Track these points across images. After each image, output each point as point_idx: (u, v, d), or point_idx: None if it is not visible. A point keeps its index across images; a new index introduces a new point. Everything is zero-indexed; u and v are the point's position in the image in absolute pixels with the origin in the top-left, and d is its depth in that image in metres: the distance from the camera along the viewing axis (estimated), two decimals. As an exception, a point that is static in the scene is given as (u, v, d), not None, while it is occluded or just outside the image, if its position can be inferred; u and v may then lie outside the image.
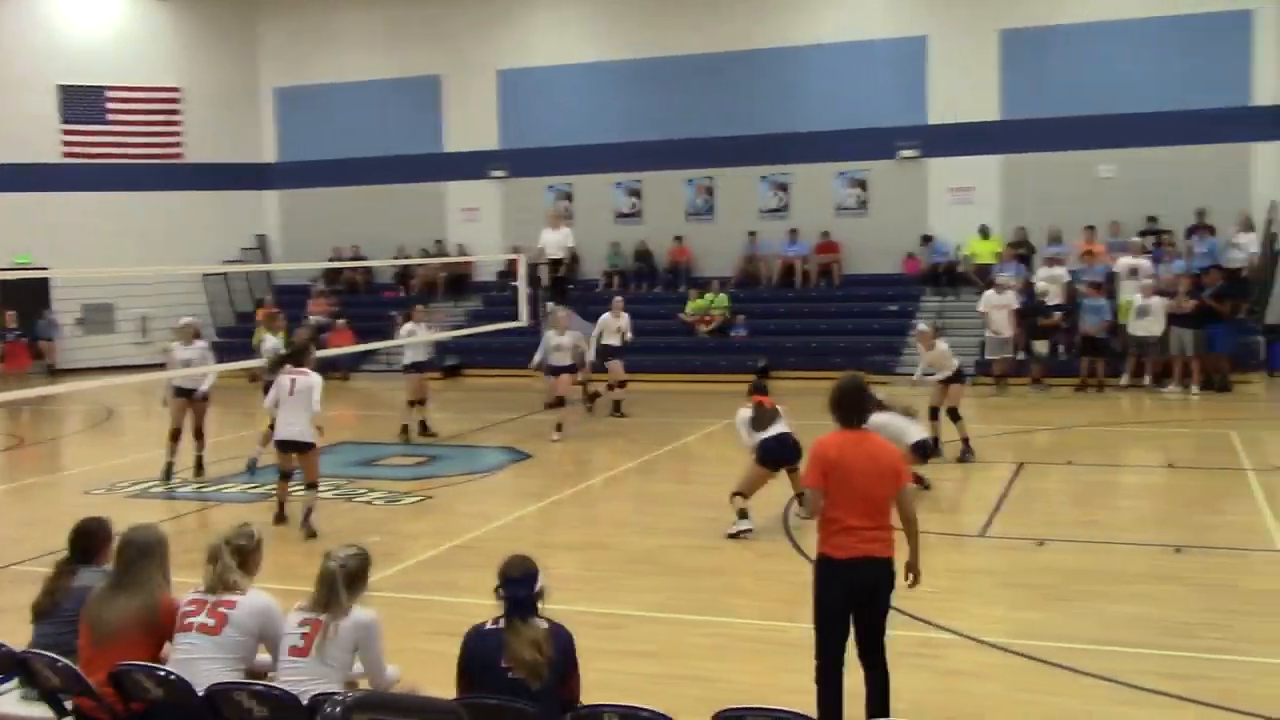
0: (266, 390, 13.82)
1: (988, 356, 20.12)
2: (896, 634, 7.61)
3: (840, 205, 25.02)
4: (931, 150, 24.12)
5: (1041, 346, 20.47)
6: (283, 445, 10.93)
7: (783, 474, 10.78)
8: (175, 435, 13.65)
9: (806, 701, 6.40)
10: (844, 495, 5.87)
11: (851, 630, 6.00)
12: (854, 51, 24.46)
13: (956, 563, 9.50)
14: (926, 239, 23.83)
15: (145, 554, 5.47)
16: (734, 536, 10.32)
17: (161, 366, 14.36)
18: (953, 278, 23.35)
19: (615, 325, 18.53)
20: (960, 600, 8.43)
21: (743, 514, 10.45)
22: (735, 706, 4.56)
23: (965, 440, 13.84)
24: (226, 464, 14.29)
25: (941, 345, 14.08)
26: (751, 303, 24.31)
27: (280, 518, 11.10)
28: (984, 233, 23.37)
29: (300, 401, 10.75)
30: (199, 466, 13.84)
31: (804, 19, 24.92)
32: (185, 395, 13.68)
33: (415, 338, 16.86)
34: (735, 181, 25.66)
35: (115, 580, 5.44)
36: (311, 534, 10.58)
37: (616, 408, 18.16)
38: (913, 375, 14.99)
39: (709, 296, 23.95)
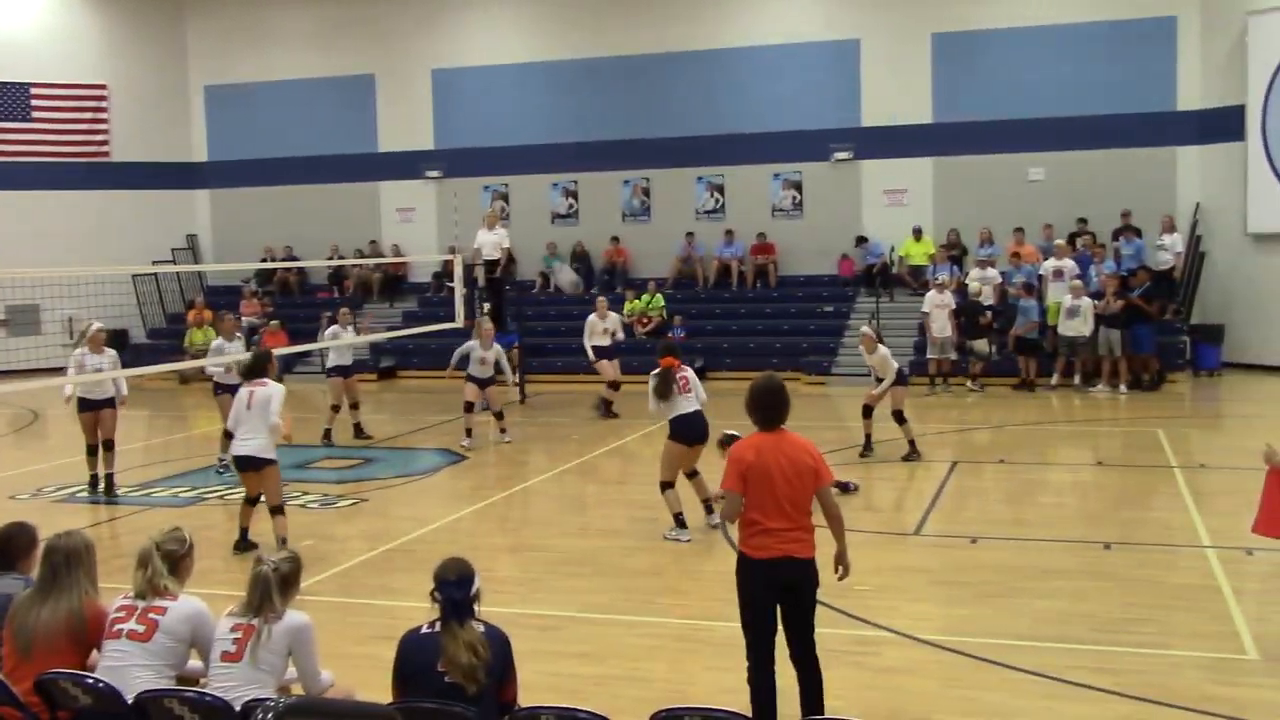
0: (217, 392, 13.72)
1: (928, 356, 20.35)
2: (830, 632, 7.68)
3: (776, 207, 25.19)
4: (865, 152, 24.35)
5: (981, 346, 20.74)
6: (240, 462, 10.03)
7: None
8: (94, 449, 13.00)
9: (742, 701, 6.42)
10: (763, 497, 5.85)
11: (780, 631, 6.02)
12: (788, 54, 24.63)
13: (890, 561, 9.59)
14: (861, 240, 24.05)
15: (71, 560, 5.38)
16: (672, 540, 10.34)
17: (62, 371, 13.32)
18: (886, 279, 23.58)
19: (601, 326, 18.53)
20: (894, 598, 8.52)
21: (680, 522, 10.41)
22: (673, 706, 4.57)
23: (911, 442, 13.86)
24: (155, 468, 14.06)
25: (883, 350, 13.90)
26: (688, 304, 24.39)
27: (243, 544, 10.19)
28: (917, 234, 23.64)
29: (258, 414, 9.84)
30: (110, 485, 12.97)
31: (739, 21, 25.06)
32: (94, 407, 12.90)
33: (339, 340, 16.59)
34: (671, 182, 25.73)
35: (41, 587, 5.35)
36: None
37: (608, 409, 17.90)
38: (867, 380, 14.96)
39: (645, 298, 23.98)
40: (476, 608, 5.06)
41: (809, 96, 24.53)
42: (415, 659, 4.95)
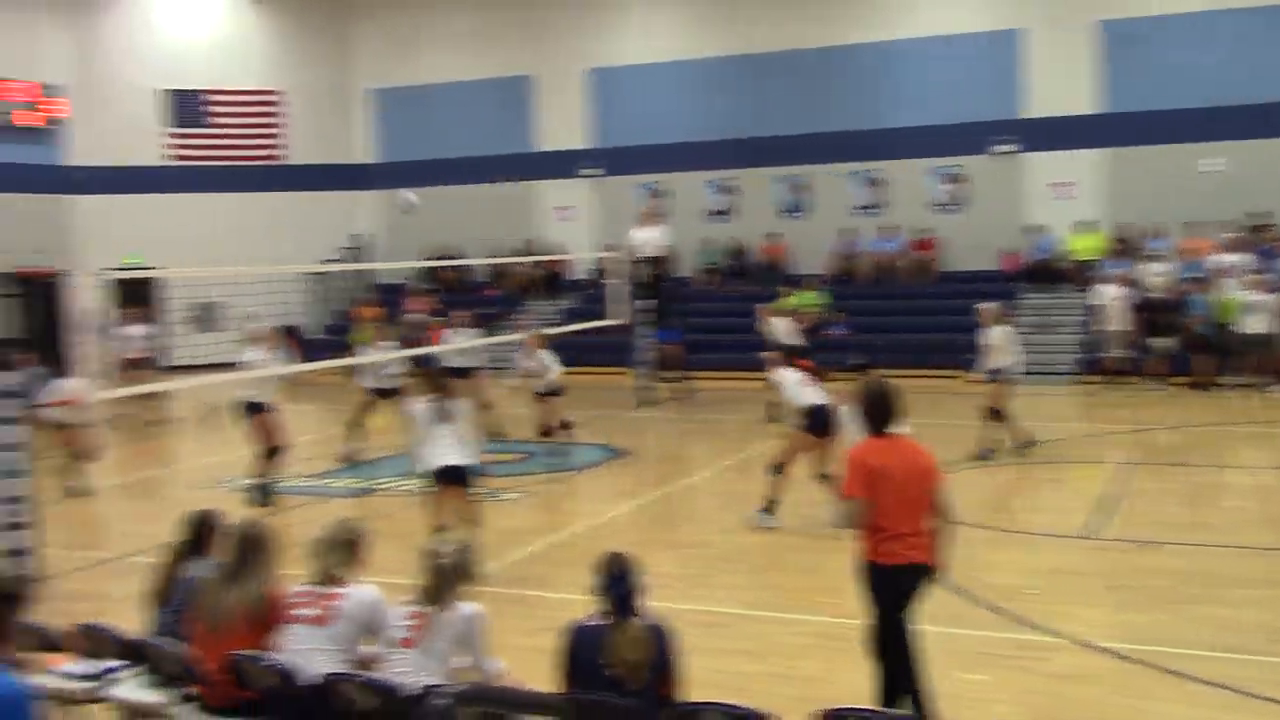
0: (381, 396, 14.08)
1: (1101, 354, 19.76)
2: (996, 635, 7.55)
3: (935, 201, 24.72)
4: (1029, 145, 23.72)
5: (1161, 343, 19.98)
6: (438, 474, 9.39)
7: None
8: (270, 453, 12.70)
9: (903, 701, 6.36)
10: (889, 502, 5.80)
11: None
12: (946, 46, 24.14)
13: (1058, 563, 9.34)
14: (1033, 229, 23.28)
15: (258, 547, 5.63)
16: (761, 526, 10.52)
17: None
18: (1052, 274, 22.92)
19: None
20: (1063, 602, 8.29)
21: (770, 509, 10.48)
22: (839, 707, 4.55)
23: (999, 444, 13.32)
24: (326, 461, 14.56)
25: (1003, 330, 13.45)
26: (845, 300, 24.10)
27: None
28: (1086, 228, 22.91)
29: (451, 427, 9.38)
30: (265, 492, 12.46)
31: (896, 14, 24.67)
32: (254, 410, 12.61)
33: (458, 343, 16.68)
34: (828, 178, 25.48)
35: (227, 572, 5.59)
36: None
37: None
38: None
39: (799, 294, 23.77)
40: (639, 602, 5.13)
41: (968, 89, 24.01)
42: (581, 652, 5.04)
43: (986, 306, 13.79)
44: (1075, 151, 23.37)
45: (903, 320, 23.41)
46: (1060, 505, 11.98)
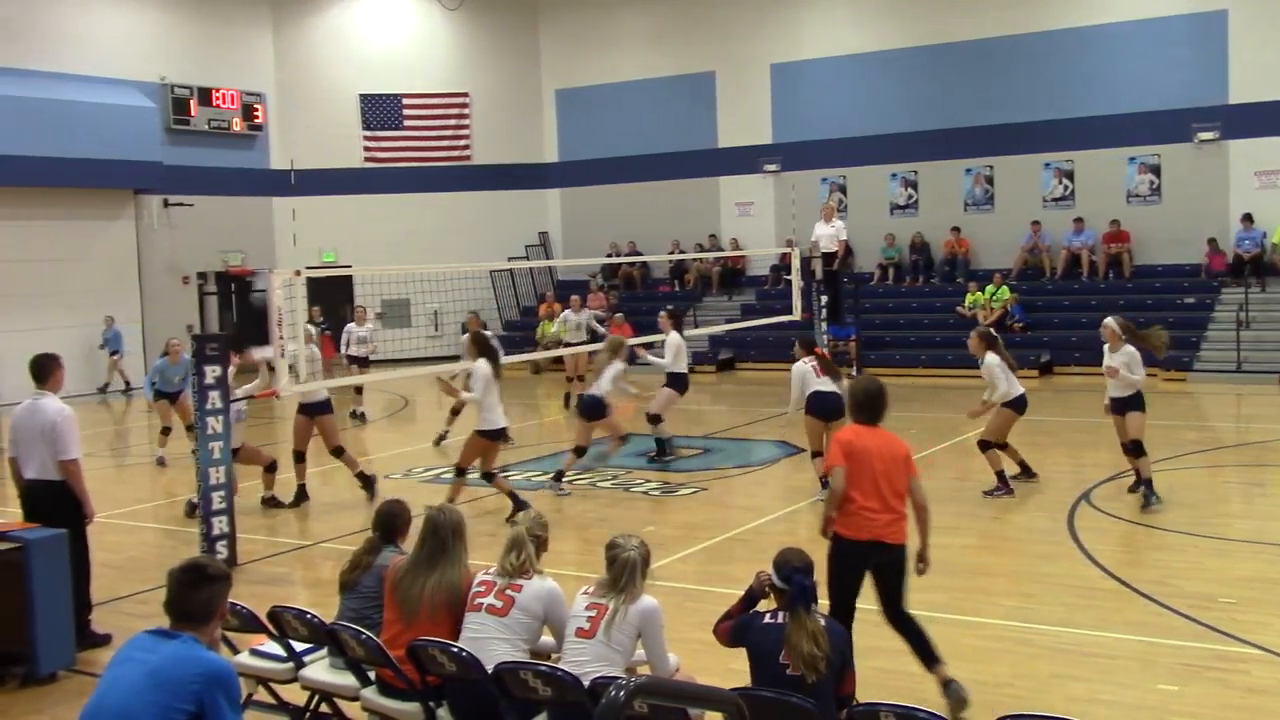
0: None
1: None
2: (1192, 645, 7.25)
3: (1131, 192, 23.74)
4: (1233, 131, 22.54)
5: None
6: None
7: None
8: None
9: (1089, 710, 6.18)
10: (863, 480, 6.27)
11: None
12: (1144, 30, 23.14)
13: (1259, 572, 8.88)
14: (1246, 218, 22.08)
15: (456, 534, 5.81)
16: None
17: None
18: (1259, 268, 21.75)
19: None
20: (1263, 612, 7.89)
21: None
22: (1016, 714, 4.44)
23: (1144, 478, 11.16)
24: (509, 454, 14.90)
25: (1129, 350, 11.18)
26: (1034, 295, 23.42)
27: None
28: (1298, 219, 21.63)
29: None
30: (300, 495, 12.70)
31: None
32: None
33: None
34: (1016, 170, 24.75)
35: (427, 559, 5.74)
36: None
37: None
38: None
39: (990, 289, 23.21)
40: (816, 597, 5.12)
41: (1167, 74, 22.94)
42: (759, 647, 5.05)
43: (972, 336, 12.01)
44: (1284, 138, 22.09)
45: (1095, 316, 22.50)
46: (1262, 512, 11.39)
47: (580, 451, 12.85)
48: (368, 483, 12.55)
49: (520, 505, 11.20)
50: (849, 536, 6.31)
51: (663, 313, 15.00)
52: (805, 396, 11.77)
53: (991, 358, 11.54)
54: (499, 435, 11.41)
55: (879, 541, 6.28)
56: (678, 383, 14.30)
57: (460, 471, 11.36)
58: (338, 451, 12.61)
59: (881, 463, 6.32)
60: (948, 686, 6.28)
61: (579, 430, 12.97)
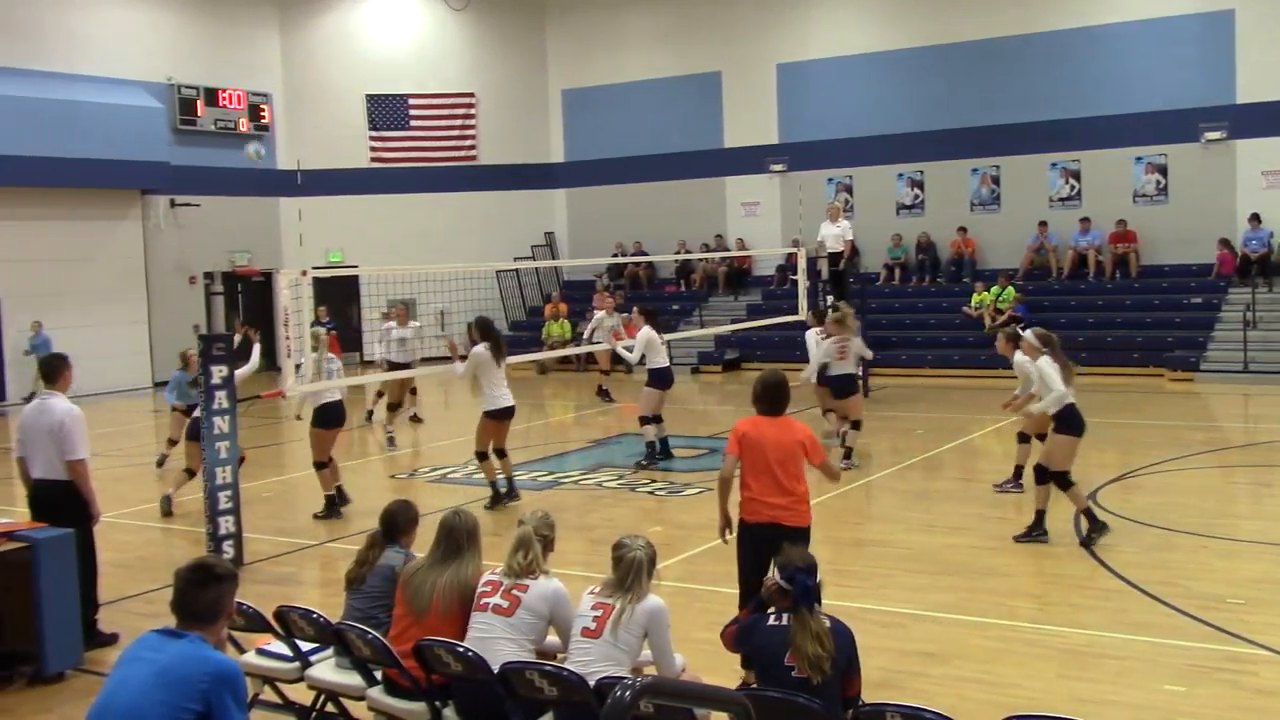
0: None
1: None
2: (1200, 646, 7.23)
3: (1138, 192, 23.71)
4: (1241, 131, 22.49)
5: None
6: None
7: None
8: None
9: (1097, 711, 6.17)
10: (756, 467, 6.67)
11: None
12: (1151, 29, 23.12)
13: (1269, 574, 8.86)
14: (1254, 218, 22.04)
15: (471, 534, 5.83)
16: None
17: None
18: (1266, 268, 21.70)
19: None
20: (1272, 614, 7.87)
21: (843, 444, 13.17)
22: (1025, 714, 4.43)
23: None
24: (516, 453, 14.89)
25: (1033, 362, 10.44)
26: (1040, 295, 23.39)
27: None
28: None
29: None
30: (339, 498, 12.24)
31: (1099, -2, 23.76)
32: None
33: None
34: (1023, 170, 24.73)
35: (442, 557, 5.75)
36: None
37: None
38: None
39: (995, 290, 23.19)
40: (820, 597, 5.11)
41: (1174, 74, 22.91)
42: (762, 649, 5.04)
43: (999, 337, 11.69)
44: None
45: (1102, 316, 22.57)
46: (1270, 512, 11.37)
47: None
48: (331, 505, 11.97)
49: (498, 497, 11.77)
50: (746, 520, 6.74)
51: (636, 307, 15.45)
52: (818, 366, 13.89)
53: (1021, 357, 10.89)
54: (502, 415, 11.85)
55: (776, 524, 6.57)
56: (657, 379, 14.28)
57: (481, 456, 11.88)
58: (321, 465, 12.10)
59: (776, 451, 6.67)
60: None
61: None
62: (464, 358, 12.18)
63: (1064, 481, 9.73)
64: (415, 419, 18.27)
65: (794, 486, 6.70)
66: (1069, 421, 9.70)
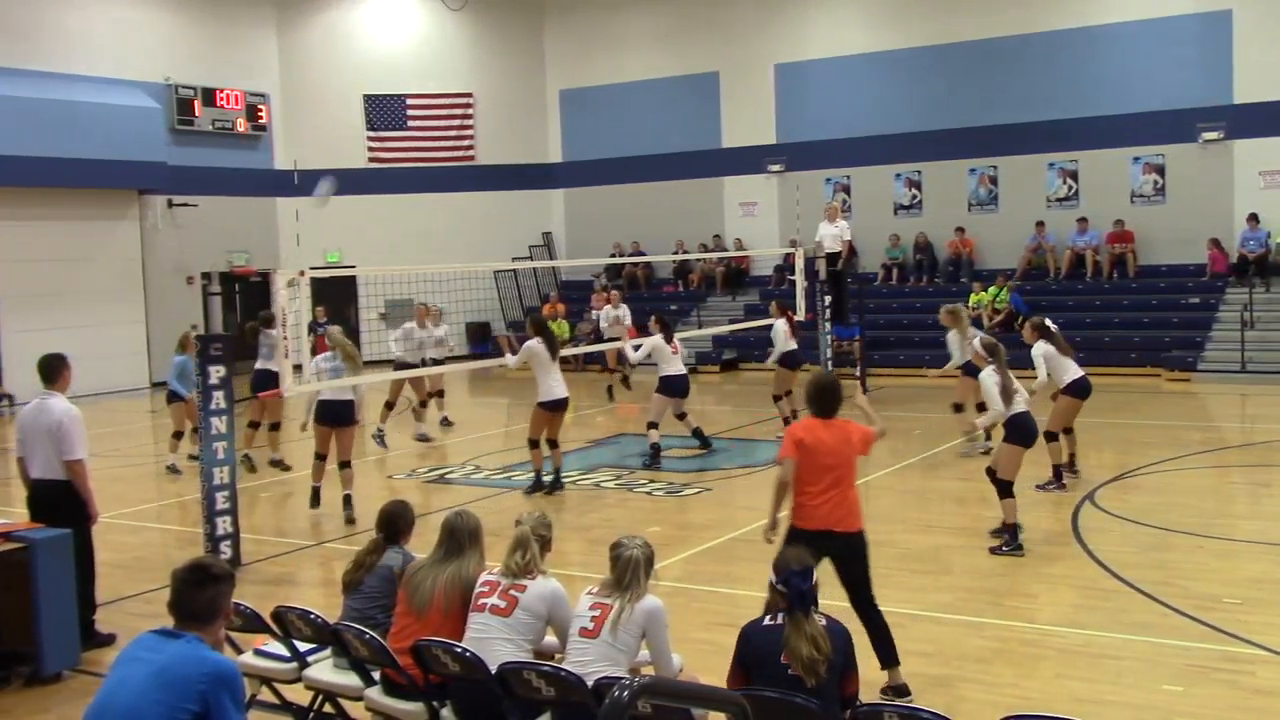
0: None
1: None
2: (1198, 646, 7.24)
3: (1136, 192, 23.71)
4: (1238, 131, 22.50)
5: None
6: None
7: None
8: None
9: (1095, 711, 6.18)
10: (812, 472, 6.51)
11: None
12: (1149, 29, 23.11)
13: (1267, 574, 8.87)
14: (1253, 218, 22.05)
15: (473, 534, 5.85)
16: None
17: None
18: (1263, 268, 21.71)
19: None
20: (1271, 613, 7.87)
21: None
22: (1021, 714, 4.44)
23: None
24: (515, 453, 14.89)
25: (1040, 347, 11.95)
26: (1038, 295, 23.40)
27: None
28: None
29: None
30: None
31: (1097, -2, 23.77)
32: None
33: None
34: (1020, 170, 24.73)
35: (444, 556, 5.77)
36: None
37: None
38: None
39: (993, 290, 23.20)
40: (817, 599, 5.10)
41: (1172, 74, 22.90)
42: (758, 650, 5.04)
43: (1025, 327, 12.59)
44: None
45: (1099, 316, 22.58)
46: (1268, 512, 11.38)
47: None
48: (315, 496, 12.02)
49: (539, 485, 12.52)
50: (800, 527, 6.56)
51: (654, 315, 15.48)
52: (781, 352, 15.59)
53: (1040, 347, 11.89)
54: (554, 406, 12.40)
55: (829, 530, 6.47)
56: (665, 387, 14.44)
57: (532, 443, 12.54)
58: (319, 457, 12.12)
59: (832, 456, 6.55)
60: (897, 691, 6.32)
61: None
62: (514, 351, 12.72)
63: (1005, 490, 9.72)
64: (446, 422, 18.05)
65: (848, 492, 6.60)
66: (1020, 431, 9.76)
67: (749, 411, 18.65)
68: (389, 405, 16.81)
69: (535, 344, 12.35)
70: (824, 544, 6.33)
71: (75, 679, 7.38)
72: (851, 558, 6.54)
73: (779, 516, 6.78)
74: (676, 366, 14.53)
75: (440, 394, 17.98)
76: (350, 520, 11.60)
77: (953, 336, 14.45)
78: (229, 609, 4.11)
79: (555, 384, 12.37)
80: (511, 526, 5.83)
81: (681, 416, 14.80)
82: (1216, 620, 7.57)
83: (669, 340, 14.46)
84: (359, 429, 12.69)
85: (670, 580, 8.72)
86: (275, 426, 14.88)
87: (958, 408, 14.34)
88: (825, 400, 6.74)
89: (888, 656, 6.45)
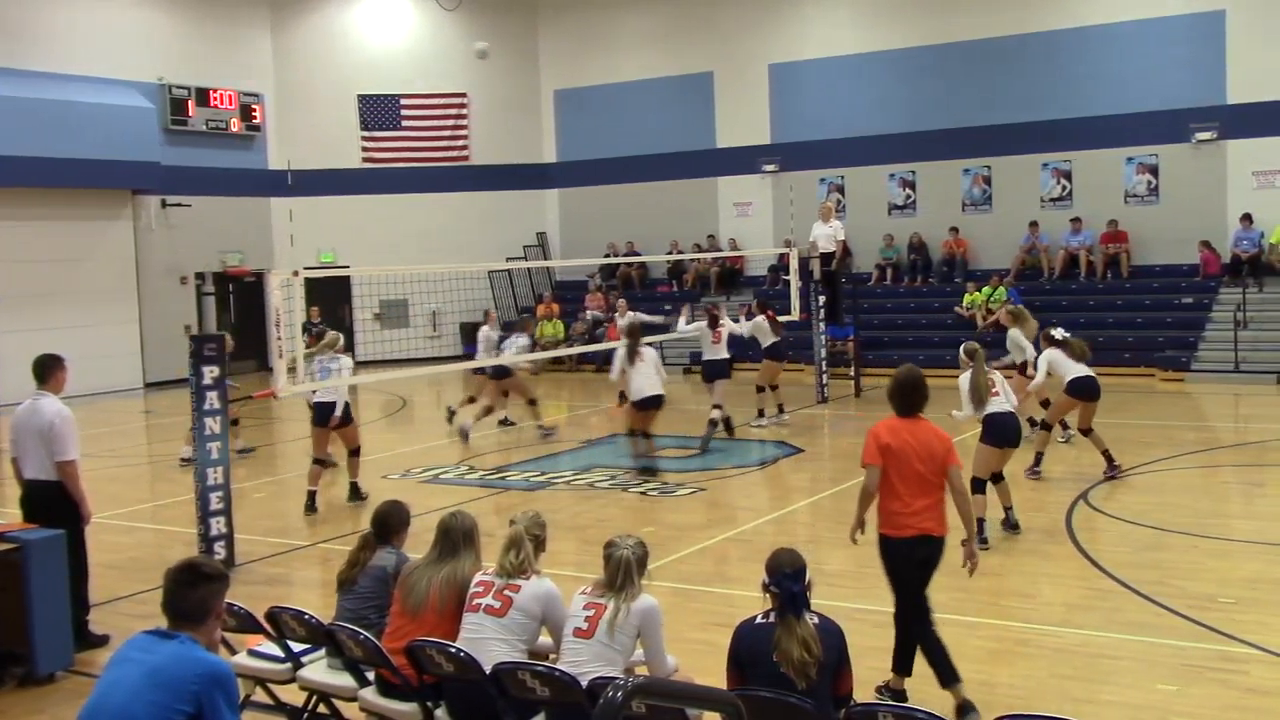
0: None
1: None
2: (1192, 645, 7.24)
3: (1129, 192, 23.73)
4: (1232, 132, 22.54)
5: None
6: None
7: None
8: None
9: (1088, 710, 6.18)
10: (899, 477, 6.23)
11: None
12: (1143, 29, 23.13)
13: (1261, 573, 8.88)
14: (1245, 218, 22.06)
15: (469, 535, 5.84)
16: None
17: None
18: (1256, 268, 21.74)
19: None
20: (1264, 612, 7.88)
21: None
22: (1018, 714, 4.44)
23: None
24: (511, 453, 14.89)
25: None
26: (1032, 295, 23.40)
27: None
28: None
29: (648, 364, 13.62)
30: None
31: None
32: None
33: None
34: (1014, 170, 24.74)
35: (440, 556, 5.76)
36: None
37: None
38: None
39: (986, 290, 23.22)
40: (809, 600, 5.09)
41: (1165, 74, 22.92)
42: (751, 649, 5.03)
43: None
44: (1281, 138, 22.08)
45: (1093, 316, 22.59)
46: (1262, 512, 11.39)
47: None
48: (310, 500, 12.16)
49: (647, 471, 13.24)
50: (894, 536, 6.34)
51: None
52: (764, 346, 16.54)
53: (1048, 353, 12.36)
54: (645, 404, 13.38)
55: (926, 535, 6.33)
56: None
57: (630, 434, 13.66)
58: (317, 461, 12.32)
59: (920, 460, 6.28)
60: (961, 709, 6.20)
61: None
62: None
63: (975, 487, 9.75)
64: (506, 422, 17.69)
65: (938, 494, 6.35)
66: (991, 431, 10.15)
67: (743, 412, 18.61)
68: (487, 409, 16.78)
69: (620, 348, 13.81)
70: (919, 550, 6.31)
71: (69, 680, 7.36)
72: (935, 561, 6.47)
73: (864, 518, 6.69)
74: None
75: (505, 394, 17.25)
76: (363, 497, 12.27)
77: (1014, 334, 14.38)
78: (221, 609, 4.10)
79: (643, 384, 13.39)
80: (506, 526, 5.83)
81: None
82: (1211, 620, 7.57)
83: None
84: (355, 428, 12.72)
85: (665, 580, 8.71)
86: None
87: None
88: (910, 397, 6.46)
89: (947, 674, 6.28)
